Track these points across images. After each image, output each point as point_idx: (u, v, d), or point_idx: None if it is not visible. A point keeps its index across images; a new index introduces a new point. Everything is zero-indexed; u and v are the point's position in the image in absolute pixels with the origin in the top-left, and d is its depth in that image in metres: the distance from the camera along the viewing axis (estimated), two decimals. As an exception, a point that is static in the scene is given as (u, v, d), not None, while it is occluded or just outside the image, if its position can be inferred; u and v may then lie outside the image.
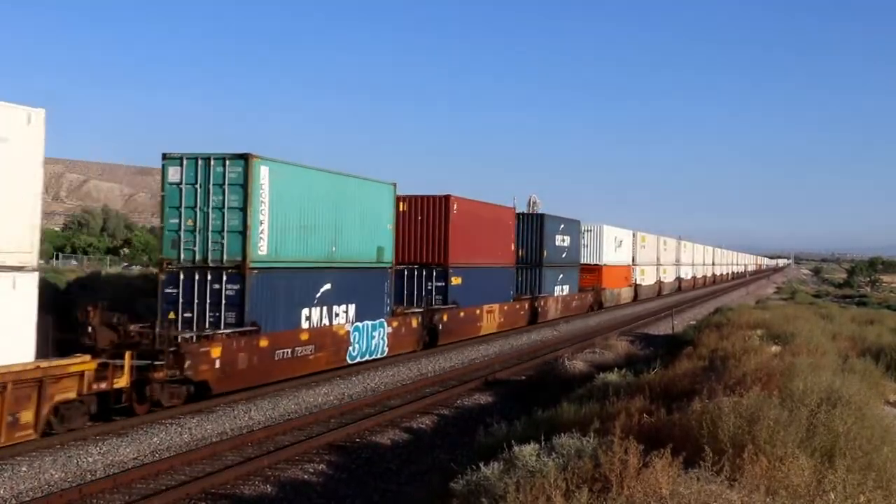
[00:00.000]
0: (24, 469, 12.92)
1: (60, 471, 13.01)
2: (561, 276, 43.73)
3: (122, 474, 12.71)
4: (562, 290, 44.09)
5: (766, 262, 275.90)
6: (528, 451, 8.44)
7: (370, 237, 24.43)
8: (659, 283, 73.39)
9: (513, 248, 36.74)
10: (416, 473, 13.76)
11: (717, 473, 7.34)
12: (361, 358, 23.49)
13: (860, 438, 8.38)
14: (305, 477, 13.12)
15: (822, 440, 8.27)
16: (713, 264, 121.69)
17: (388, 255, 25.60)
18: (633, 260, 62.08)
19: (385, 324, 25.03)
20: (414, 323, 27.22)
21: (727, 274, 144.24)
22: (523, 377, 23.60)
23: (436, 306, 29.09)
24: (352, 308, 23.25)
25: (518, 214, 38.84)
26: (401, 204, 28.27)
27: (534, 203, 53.91)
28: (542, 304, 40.22)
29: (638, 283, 63.27)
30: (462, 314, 30.60)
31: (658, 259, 73.08)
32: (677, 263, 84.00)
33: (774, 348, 17.32)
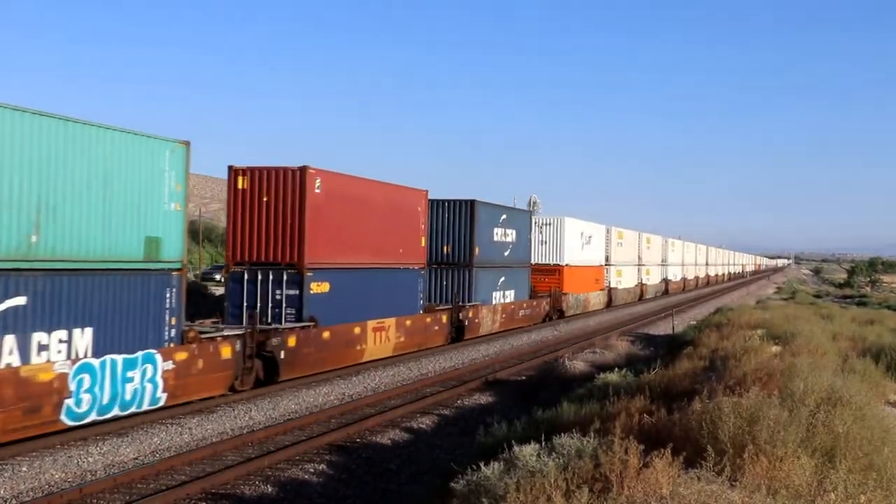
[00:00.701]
0: (24, 469, 12.91)
1: (61, 471, 13.01)
2: (503, 279, 35.10)
3: (122, 474, 12.70)
4: (503, 297, 35.17)
5: (765, 262, 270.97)
6: (528, 451, 8.44)
7: (129, 222, 15.94)
8: (640, 285, 65.09)
9: (423, 243, 28.13)
10: (417, 473, 13.77)
11: (718, 473, 7.34)
12: (100, 415, 14.98)
13: (861, 438, 8.38)
14: (305, 477, 13.12)
15: (822, 440, 8.27)
16: (707, 264, 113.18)
17: (173, 251, 16.93)
18: (607, 259, 53.86)
19: (158, 358, 16.23)
20: (225, 353, 18.32)
21: (723, 275, 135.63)
22: (523, 377, 23.60)
23: (276, 325, 20.79)
24: (82, 335, 14.71)
25: (433, 201, 29.69)
26: (240, 179, 21.37)
27: (534, 203, 53.93)
28: (470, 315, 31.06)
29: (613, 286, 54.70)
30: (326, 335, 21.73)
31: (639, 259, 64.78)
32: (664, 264, 75.71)
33: (775, 348, 17.32)
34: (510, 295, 36.25)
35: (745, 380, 11.32)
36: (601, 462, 7.34)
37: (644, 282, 66.10)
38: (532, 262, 40.55)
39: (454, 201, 31.68)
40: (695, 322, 37.15)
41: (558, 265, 43.97)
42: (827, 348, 17.44)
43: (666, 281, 76.13)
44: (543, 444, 8.73)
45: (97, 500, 11.81)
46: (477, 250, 31.96)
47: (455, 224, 31.60)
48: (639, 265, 64.63)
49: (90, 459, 13.66)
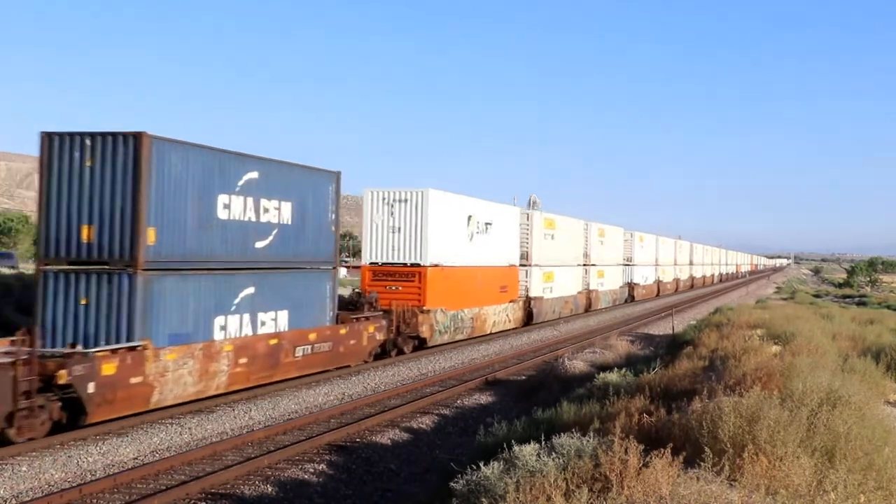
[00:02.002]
0: (24, 469, 12.92)
1: (60, 471, 13.01)
2: (248, 291, 19.17)
3: (122, 474, 12.71)
4: (251, 325, 19.35)
5: (763, 261, 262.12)
6: (528, 451, 8.44)
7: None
8: (588, 293, 49.79)
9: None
10: (416, 473, 13.77)
11: (718, 473, 7.34)
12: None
13: (860, 438, 8.38)
14: (305, 477, 13.12)
15: (822, 440, 8.27)
16: (691, 264, 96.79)
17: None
18: (527, 258, 38.85)
19: None
20: None
21: (713, 276, 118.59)
22: (523, 377, 23.60)
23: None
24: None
25: (52, 135, 16.49)
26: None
27: (534, 203, 51.75)
28: (107, 374, 15.09)
29: (536, 295, 39.35)
30: None
31: (587, 257, 49.68)
32: (628, 263, 62.05)
33: (774, 348, 17.31)
34: (274, 320, 20.16)
35: (744, 380, 11.30)
36: (601, 462, 7.34)
37: (596, 287, 51.30)
38: (376, 260, 28.33)
39: (101, 135, 16.39)
40: (694, 322, 37.15)
41: (418, 266, 28.08)
42: (827, 348, 17.42)
43: (630, 285, 62.39)
44: (543, 443, 8.73)
45: (97, 499, 11.81)
46: (151, 237, 16.40)
47: (106, 183, 16.36)
48: (586, 265, 49.38)
49: (90, 459, 13.67)
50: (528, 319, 38.84)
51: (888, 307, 52.25)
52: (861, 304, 61.68)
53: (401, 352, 26.99)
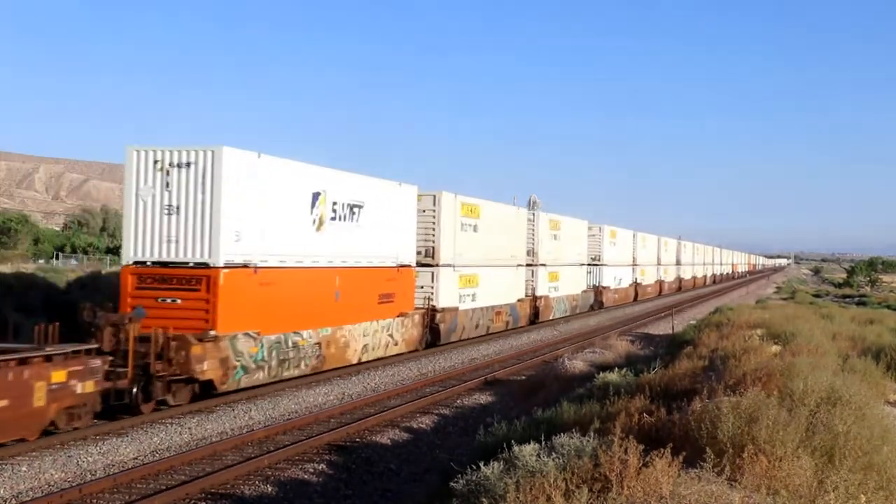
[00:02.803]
0: (24, 469, 12.92)
1: (60, 471, 13.02)
2: None
3: (122, 474, 12.72)
4: None
5: (762, 261, 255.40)
6: (528, 451, 8.43)
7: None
8: (533, 301, 39.61)
9: None
10: (416, 473, 13.77)
11: (718, 473, 7.34)
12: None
13: (860, 438, 8.38)
14: (305, 477, 13.13)
15: (822, 440, 8.27)
16: (678, 264, 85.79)
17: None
18: (433, 255, 29.30)
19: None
20: None
21: (704, 277, 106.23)
22: (523, 377, 23.61)
23: None
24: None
25: None
26: None
27: (534, 203, 51.58)
28: None
29: (447, 305, 29.87)
30: None
31: (534, 255, 39.95)
32: (595, 263, 52.41)
33: (774, 348, 17.31)
34: None
35: (744, 379, 11.30)
36: (601, 462, 7.33)
37: (545, 293, 41.29)
38: (143, 258, 18.59)
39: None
40: (694, 322, 37.13)
41: (206, 267, 18.25)
42: (827, 348, 17.42)
43: (598, 289, 52.68)
44: (543, 443, 8.73)
45: (97, 499, 11.81)
46: None
47: None
48: (534, 265, 40.08)
49: (90, 459, 13.67)
50: (433, 339, 29.09)
51: (888, 307, 52.23)
52: (861, 303, 61.67)
53: (162, 404, 17.40)
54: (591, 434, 8.85)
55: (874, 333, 23.41)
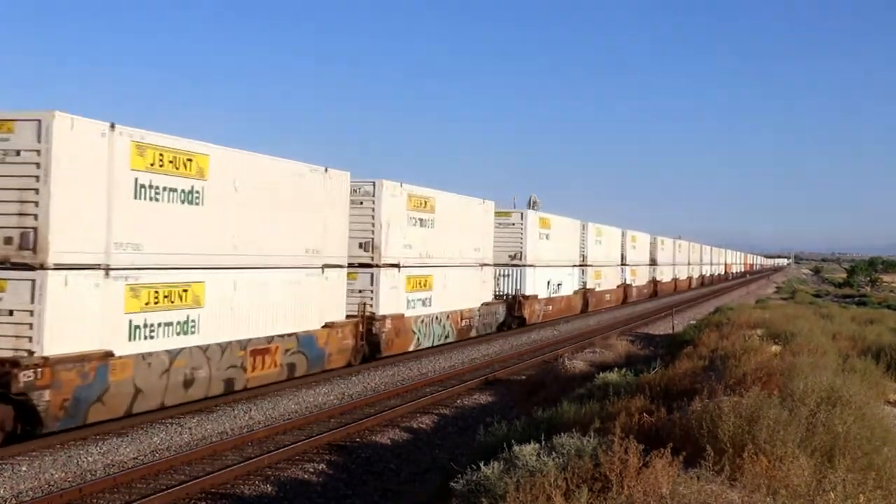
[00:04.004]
0: (24, 468, 12.92)
1: (60, 470, 13.01)
2: None
3: (122, 474, 12.72)
4: None
5: (760, 260, 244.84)
6: (528, 451, 8.44)
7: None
8: (359, 325, 23.91)
9: None
10: (416, 473, 13.78)
11: (718, 473, 7.34)
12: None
13: (860, 438, 8.39)
14: (305, 476, 13.13)
15: (822, 440, 8.27)
16: (653, 264, 68.56)
17: None
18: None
19: None
20: None
21: (689, 280, 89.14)
22: (523, 376, 23.61)
23: None
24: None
25: None
26: None
27: (534, 202, 51.18)
28: None
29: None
30: None
31: (375, 251, 24.94)
32: (517, 264, 37.49)
33: (774, 348, 17.31)
34: None
35: (744, 379, 11.31)
36: (601, 461, 7.34)
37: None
38: None
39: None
40: (694, 322, 37.15)
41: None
42: (827, 348, 17.43)
43: (520, 300, 37.20)
44: (543, 443, 8.73)
45: (97, 499, 11.82)
46: None
47: None
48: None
49: (90, 459, 13.67)
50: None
51: (888, 307, 52.19)
52: (861, 303, 61.62)
53: None
54: (592, 434, 8.86)
55: (874, 333, 23.41)
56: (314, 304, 21.37)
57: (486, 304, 33.48)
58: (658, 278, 71.13)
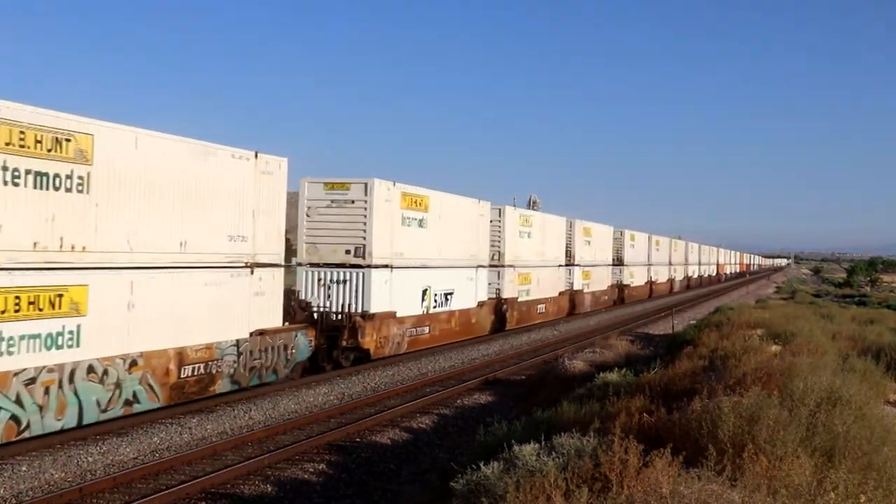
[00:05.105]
0: (24, 469, 12.91)
1: (60, 470, 13.01)
2: None
3: (122, 474, 12.71)
4: None
5: (758, 260, 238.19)
6: (528, 451, 8.44)
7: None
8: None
9: None
10: (416, 473, 13.77)
11: (718, 473, 7.33)
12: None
13: (860, 438, 8.38)
14: (305, 476, 13.13)
15: (822, 440, 8.27)
16: (619, 264, 57.29)
17: None
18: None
19: None
20: None
21: (671, 282, 77.75)
22: (523, 376, 23.61)
23: None
24: None
25: None
26: None
27: (534, 202, 51.24)
28: None
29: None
30: None
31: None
32: (359, 264, 24.39)
33: (774, 348, 17.31)
34: None
35: (744, 379, 11.31)
36: (601, 461, 7.33)
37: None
38: None
39: None
40: (694, 322, 37.15)
41: None
42: (827, 348, 17.42)
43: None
44: (543, 443, 8.73)
45: (97, 499, 11.81)
46: None
47: None
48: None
49: (90, 459, 13.66)
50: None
51: (888, 307, 52.16)
52: (861, 303, 61.60)
53: None
54: (592, 434, 8.86)
55: (874, 333, 23.42)
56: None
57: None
58: (626, 282, 58.97)
